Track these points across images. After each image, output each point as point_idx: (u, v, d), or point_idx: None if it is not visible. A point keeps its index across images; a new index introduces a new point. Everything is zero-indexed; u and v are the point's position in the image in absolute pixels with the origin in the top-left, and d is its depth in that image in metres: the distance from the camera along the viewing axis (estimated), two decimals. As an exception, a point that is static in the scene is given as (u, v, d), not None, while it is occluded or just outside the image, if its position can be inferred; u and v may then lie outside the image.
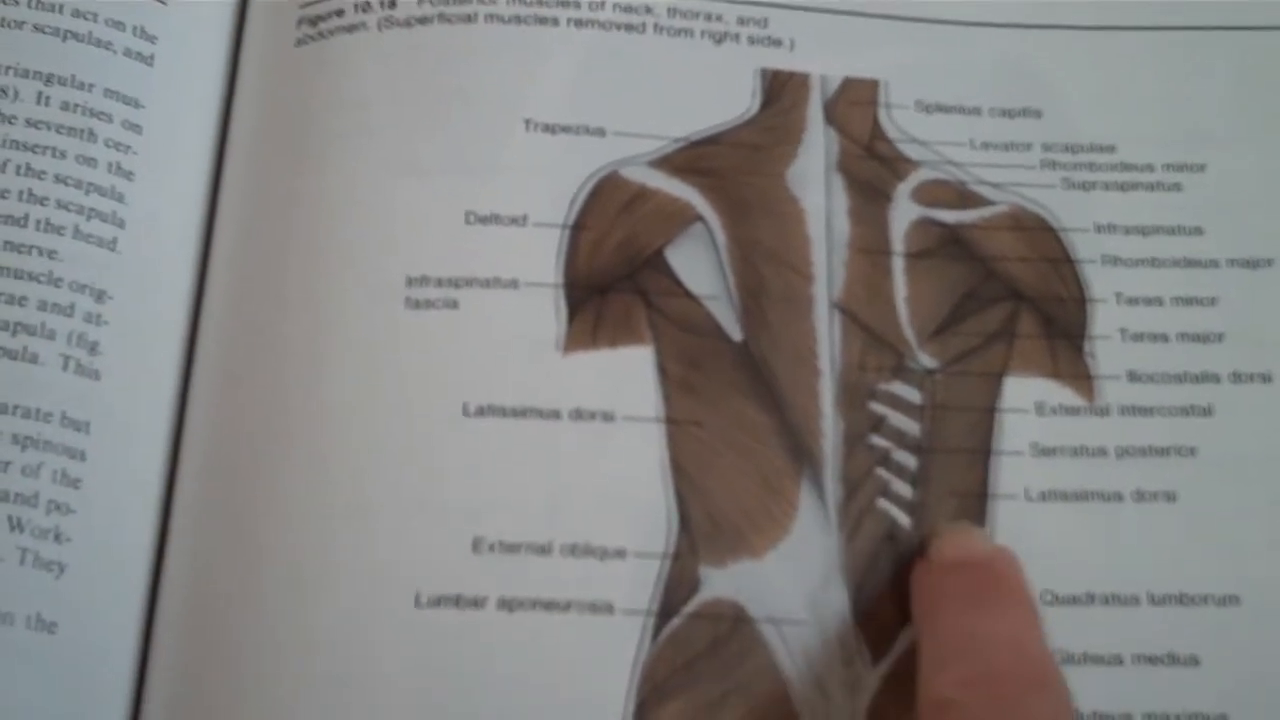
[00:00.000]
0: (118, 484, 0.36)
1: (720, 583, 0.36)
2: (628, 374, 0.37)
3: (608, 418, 0.37)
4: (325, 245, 0.38)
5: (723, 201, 0.39)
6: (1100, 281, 0.39)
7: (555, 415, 0.37)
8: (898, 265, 0.39)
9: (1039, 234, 0.40)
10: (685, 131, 0.40)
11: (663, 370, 0.37)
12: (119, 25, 0.39)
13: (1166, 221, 0.40)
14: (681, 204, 0.39)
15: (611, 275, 0.38)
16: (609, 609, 0.35)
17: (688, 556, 0.36)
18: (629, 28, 0.41)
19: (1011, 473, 0.37)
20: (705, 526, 0.36)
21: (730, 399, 0.37)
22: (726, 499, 0.36)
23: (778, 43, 0.41)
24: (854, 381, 0.38)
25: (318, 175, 0.39)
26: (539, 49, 0.40)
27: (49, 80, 0.38)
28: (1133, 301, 0.39)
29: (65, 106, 0.38)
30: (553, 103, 0.40)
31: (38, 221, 0.37)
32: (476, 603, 0.35)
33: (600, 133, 0.40)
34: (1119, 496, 0.37)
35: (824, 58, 0.41)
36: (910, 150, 0.41)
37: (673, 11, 0.41)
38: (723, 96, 0.41)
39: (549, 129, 0.40)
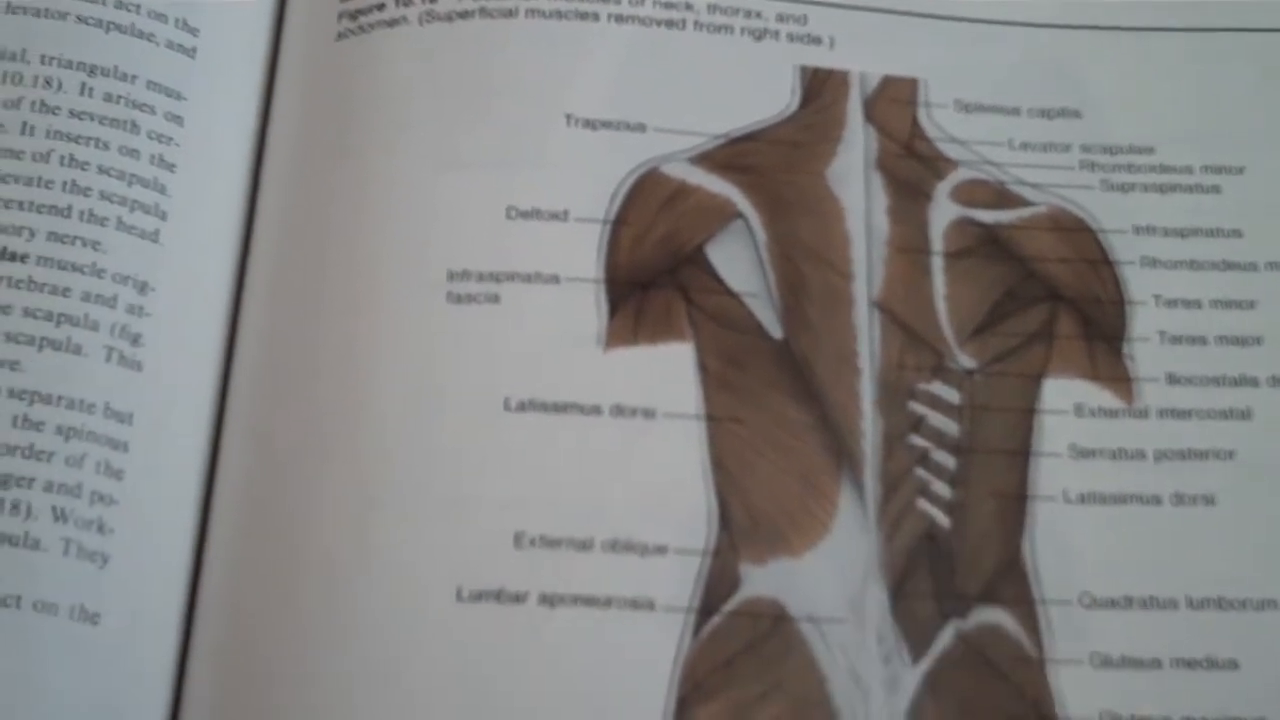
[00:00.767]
0: (160, 475, 0.36)
1: (760, 581, 0.36)
2: (668, 370, 0.37)
3: (648, 414, 0.37)
4: (366, 239, 0.38)
5: (762, 198, 0.39)
6: (1139, 283, 0.39)
7: (596, 411, 0.37)
8: (937, 265, 0.39)
9: (1078, 235, 0.40)
10: (725, 128, 0.40)
11: (703, 367, 0.37)
12: (161, 17, 0.39)
13: (1205, 224, 0.40)
14: (721, 200, 0.39)
15: (652, 271, 0.38)
16: (650, 605, 0.35)
17: (728, 554, 0.36)
18: (669, 24, 0.41)
19: (1050, 474, 0.37)
20: (745, 524, 0.36)
21: (770, 397, 0.37)
22: (767, 497, 0.36)
23: (817, 40, 0.41)
24: (893, 381, 0.38)
25: (358, 169, 0.39)
26: (580, 44, 0.40)
27: (92, 72, 0.38)
28: (1171, 304, 0.39)
29: (108, 98, 0.38)
30: (593, 98, 0.40)
31: (81, 213, 0.37)
32: (518, 598, 0.35)
33: (641, 128, 0.40)
34: (1157, 499, 0.37)
35: (863, 56, 0.41)
36: (949, 149, 0.41)
37: (713, 8, 0.41)
38: (762, 93, 0.41)
39: (590, 124, 0.40)
